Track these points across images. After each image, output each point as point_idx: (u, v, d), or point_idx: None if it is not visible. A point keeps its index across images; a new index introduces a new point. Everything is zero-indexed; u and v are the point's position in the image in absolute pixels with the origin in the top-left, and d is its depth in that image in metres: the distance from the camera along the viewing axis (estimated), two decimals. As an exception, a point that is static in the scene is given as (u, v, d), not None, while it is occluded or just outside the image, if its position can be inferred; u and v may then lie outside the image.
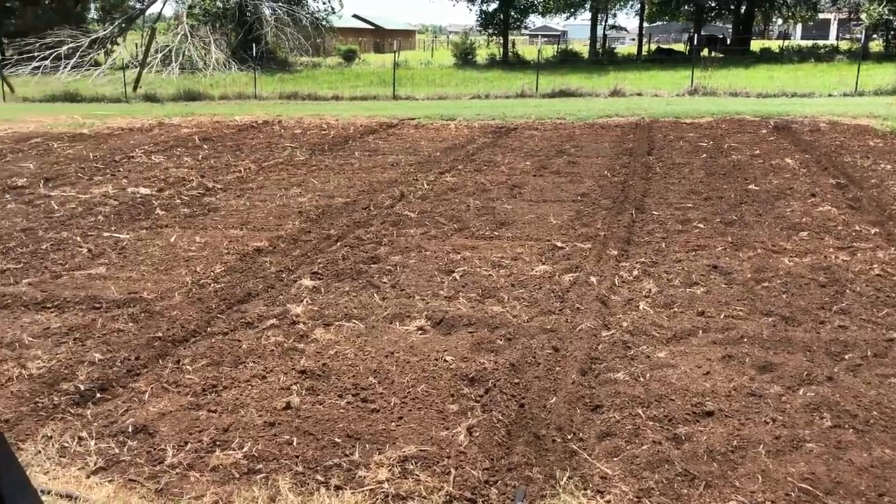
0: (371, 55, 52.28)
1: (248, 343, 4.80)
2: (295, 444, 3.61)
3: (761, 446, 3.51)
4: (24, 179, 10.22)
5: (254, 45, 31.56)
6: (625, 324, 5.01)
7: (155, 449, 3.57)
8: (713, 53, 41.33)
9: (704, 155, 11.50)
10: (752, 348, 4.58)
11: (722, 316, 5.13)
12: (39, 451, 3.51)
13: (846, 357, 4.45)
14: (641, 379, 4.22)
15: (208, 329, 5.05)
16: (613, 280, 5.86)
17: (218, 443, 3.62)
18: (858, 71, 22.56)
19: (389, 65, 32.59)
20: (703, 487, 3.24)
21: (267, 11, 35.24)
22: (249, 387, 4.22)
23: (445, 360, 4.50)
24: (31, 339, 4.87)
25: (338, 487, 3.28)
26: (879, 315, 5.07)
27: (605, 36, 48.91)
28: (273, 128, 16.07)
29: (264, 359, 4.57)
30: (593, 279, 5.81)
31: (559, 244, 6.89)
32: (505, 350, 4.64)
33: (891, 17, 33.76)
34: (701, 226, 7.41)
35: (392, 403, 4.00)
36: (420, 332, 4.97)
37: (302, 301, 5.52)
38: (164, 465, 3.43)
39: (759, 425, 3.70)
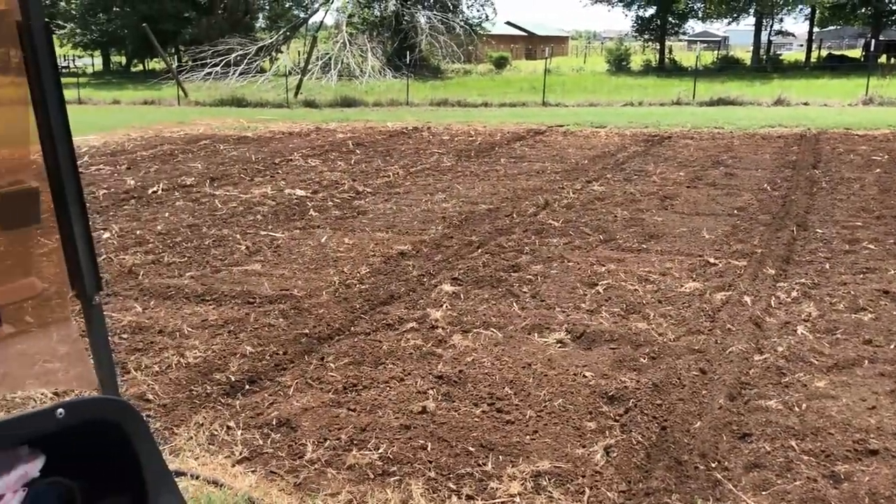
0: (522, 62, 52.37)
1: (389, 344, 4.88)
2: (429, 448, 3.62)
3: (935, 494, 3.17)
4: (193, 178, 10.95)
5: (408, 52, 32.40)
6: (780, 348, 4.69)
7: (296, 443, 3.68)
8: (892, 60, 38.31)
9: (878, 170, 10.64)
10: (927, 384, 4.16)
11: (892, 346, 4.69)
12: (191, 438, 3.72)
13: None
14: (796, 409, 3.93)
15: (352, 328, 5.18)
16: (769, 301, 5.51)
17: (355, 442, 3.69)
18: None
19: (540, 71, 32.49)
20: (863, 534, 2.96)
21: (422, 20, 36.11)
22: (388, 388, 4.28)
23: (584, 376, 4.38)
24: (190, 329, 5.18)
25: (469, 497, 3.25)
26: None
27: (769, 42, 46.53)
28: (422, 134, 16.40)
29: (403, 361, 4.63)
30: (747, 299, 5.49)
31: (712, 260, 6.57)
32: (648, 369, 4.46)
33: None
34: (871, 247, 6.84)
35: (527, 416, 3.93)
36: (559, 344, 4.87)
37: (442, 306, 5.56)
38: (304, 460, 3.53)
39: (933, 471, 3.35)
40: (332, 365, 4.58)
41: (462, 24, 38.93)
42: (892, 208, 8.25)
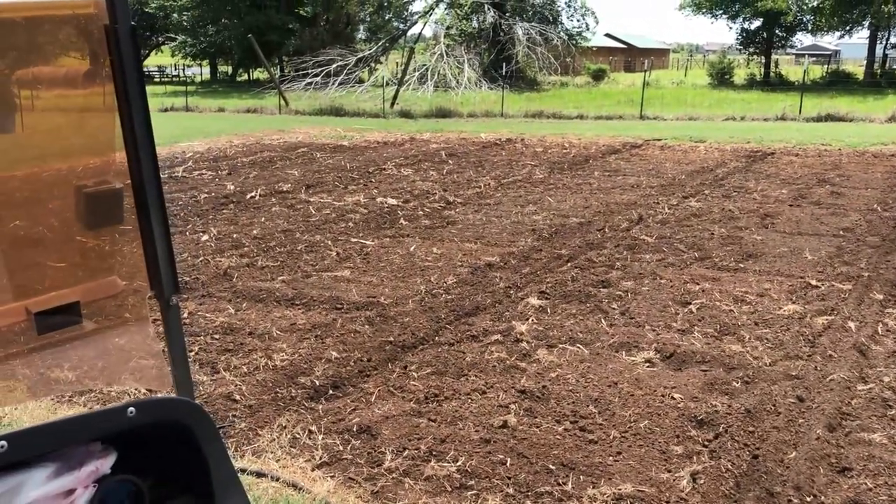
0: (621, 74, 51.62)
1: (472, 356, 4.85)
2: (508, 464, 3.57)
3: None
4: (289, 185, 11.24)
5: (504, 64, 32.42)
6: (886, 378, 4.41)
7: (375, 451, 3.69)
8: None
9: None
10: None
11: None
12: (274, 439, 3.78)
13: None
14: (904, 445, 3.68)
15: (436, 338, 5.18)
16: (876, 328, 5.19)
17: (434, 453, 3.67)
18: None
19: (639, 84, 31.93)
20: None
21: (520, 31, 36.07)
22: (469, 400, 4.25)
23: (673, 398, 4.23)
24: (279, 332, 5.29)
25: (547, 517, 3.18)
26: None
27: (885, 56, 44.21)
28: (515, 145, 16.35)
29: (486, 374, 4.59)
30: (851, 325, 5.19)
31: (814, 283, 6.26)
32: (741, 394, 4.27)
33: None
34: None
35: (611, 436, 3.82)
36: (647, 364, 4.72)
37: (527, 319, 5.49)
38: (382, 468, 3.54)
39: None
40: (414, 374, 4.58)
41: (560, 35, 38.68)
42: None
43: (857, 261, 6.87)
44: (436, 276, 6.62)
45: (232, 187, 11.05)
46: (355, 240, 7.95)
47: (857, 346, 4.82)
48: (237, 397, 4.26)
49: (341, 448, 3.72)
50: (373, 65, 37.09)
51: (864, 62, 42.36)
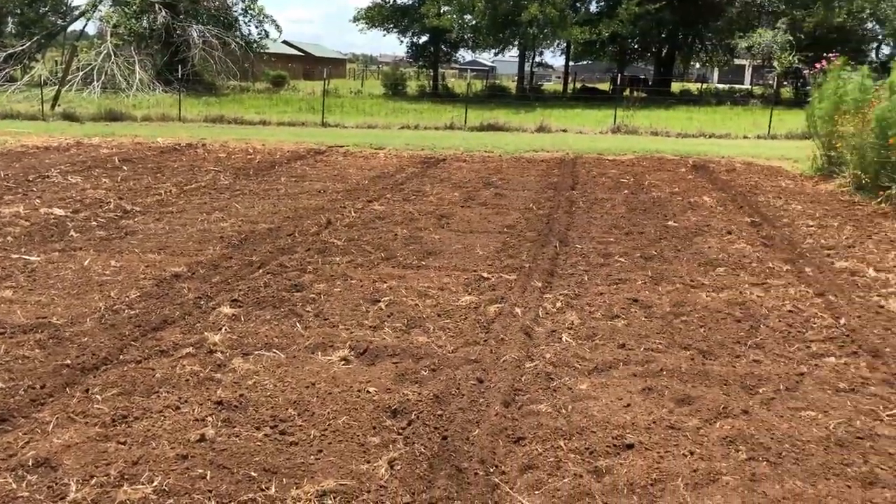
0: (301, 82, 52.00)
1: (163, 372, 4.62)
2: (209, 477, 3.47)
3: (679, 479, 3.55)
4: (-73, 196, 9.69)
5: (180, 66, 30.97)
6: (548, 355, 5.03)
7: (57, 483, 3.36)
8: (635, 93, 42.62)
9: (626, 191, 11.79)
10: (671, 381, 4.66)
11: (642, 349, 5.21)
12: (-72, 487, 3.27)
13: (760, 391, 4.57)
14: (563, 411, 4.23)
15: (120, 357, 4.84)
16: (537, 311, 5.90)
17: (126, 476, 3.45)
18: (771, 115, 23.61)
19: (319, 92, 32.50)
20: (622, 520, 3.25)
21: (195, 34, 34.69)
22: (162, 417, 4.05)
23: (368, 392, 4.42)
24: (-75, 365, 4.56)
25: (252, 523, 3.16)
26: (791, 350, 5.25)
27: (532, 73, 49.97)
28: (196, 151, 15.75)
29: (179, 389, 4.40)
30: (518, 310, 5.84)
31: (485, 275, 6.91)
32: (429, 381, 4.60)
33: (800, 66, 35.54)
34: (622, 260, 7.55)
35: (311, 436, 3.89)
36: (343, 362, 4.88)
37: (220, 329, 5.36)
38: (67, 501, 3.24)
39: (678, 458, 3.75)
40: (98, 396, 4.24)
41: (239, 41, 37.91)
42: (638, 225, 9.17)
43: (520, 254, 7.71)
44: (116, 290, 6.17)
45: None
46: (17, 255, 7.11)
47: (524, 328, 5.43)
48: None
49: (15, 486, 3.33)
50: (27, 62, 33.21)
51: (516, 78, 47.45)
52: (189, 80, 32.48)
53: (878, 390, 4.61)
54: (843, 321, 5.77)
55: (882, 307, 6.19)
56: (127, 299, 5.93)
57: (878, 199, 10.70)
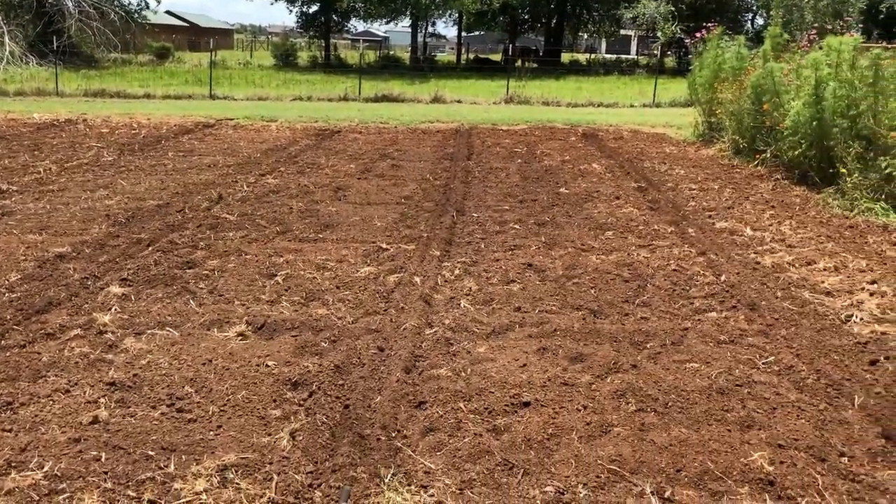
0: (186, 53, 50.01)
1: (50, 355, 4.43)
2: (103, 459, 3.38)
3: (574, 433, 3.71)
4: None
5: (55, 38, 29.22)
6: (447, 321, 5.12)
7: (-63, 477, 3.20)
8: (527, 64, 43.27)
9: (519, 160, 12.01)
10: (564, 340, 4.84)
11: (537, 311, 5.37)
12: None
13: (648, 346, 4.80)
14: (463, 374, 4.33)
15: (2, 342, 4.61)
16: (436, 279, 5.97)
17: (14, 464, 3.31)
18: (656, 84, 24.47)
19: (206, 64, 31.41)
20: (521, 475, 3.37)
21: (70, 3, 32.78)
22: (51, 402, 3.90)
23: (267, 366, 4.39)
24: None
25: (151, 502, 3.10)
26: (675, 307, 5.53)
27: (425, 43, 49.84)
28: (77, 126, 14.98)
29: (68, 371, 4.24)
30: (417, 279, 5.89)
31: (384, 246, 6.93)
32: (329, 352, 4.60)
33: (682, 36, 36.90)
34: (517, 227, 7.72)
35: (210, 412, 3.84)
36: (240, 337, 4.81)
37: (110, 309, 5.18)
38: (-51, 494, 3.09)
39: (572, 413, 3.91)
40: (-22, 384, 4.04)
41: (118, 10, 36.06)
42: (531, 193, 9.38)
43: (418, 224, 7.76)
44: (-7, 274, 5.85)
45: None
46: None
47: (423, 297, 5.49)
48: None
49: None
50: None
51: (410, 48, 47.22)
52: (66, 52, 30.71)
53: (754, 341, 4.93)
54: (723, 278, 6.12)
55: (759, 264, 6.59)
56: (7, 283, 5.63)
57: (755, 163, 11.32)
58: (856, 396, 4.12)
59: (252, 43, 74.42)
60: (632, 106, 22.97)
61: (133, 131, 14.46)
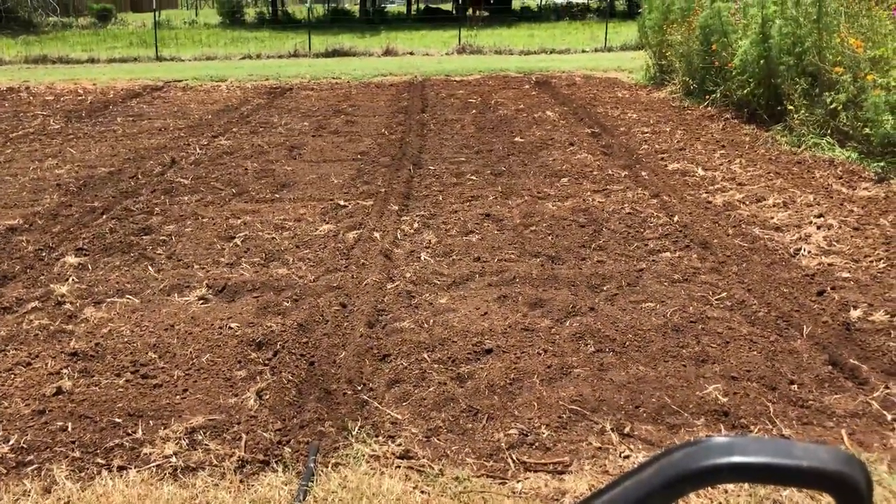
0: (129, 14, 48.45)
1: (8, 329, 4.40)
2: (70, 429, 3.39)
3: (535, 376, 3.81)
4: None
5: (-13, 2, 28.14)
6: (408, 274, 5.17)
7: None
8: (478, 13, 42.74)
9: (474, 111, 11.98)
10: (523, 287, 4.92)
11: (496, 260, 5.44)
12: None
13: (605, 288, 4.91)
14: (426, 325, 4.40)
15: (-43, 319, 4.55)
16: (396, 234, 6.00)
17: (-21, 440, 3.31)
18: (606, 29, 24.43)
19: (150, 24, 30.50)
20: (486, 420, 3.47)
21: (1, -35, 31.48)
22: (12, 376, 3.88)
23: (230, 328, 4.40)
24: None
25: (121, 468, 3.14)
26: (630, 249, 5.64)
27: (375, -6, 48.88)
28: (20, 95, 14.54)
29: (28, 344, 4.22)
30: (377, 234, 5.92)
31: (342, 203, 6.92)
32: (292, 311, 4.63)
33: (633, -21, 36.73)
34: (474, 178, 7.75)
35: (175, 377, 3.86)
36: (201, 301, 4.81)
37: (67, 280, 5.13)
38: (-85, 472, 3.09)
39: (533, 357, 4.01)
40: (-63, 362, 4.00)
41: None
42: (487, 144, 9.39)
43: (375, 180, 7.75)
44: (-57, 250, 5.74)
45: None
46: None
47: (384, 252, 5.53)
48: None
49: None
50: None
51: (359, 1, 46.31)
52: (2, 18, 29.58)
53: (707, 278, 5.06)
54: (676, 218, 6.24)
55: (710, 203, 6.73)
56: (-43, 259, 5.53)
57: (705, 103, 11.44)
58: (804, 327, 4.28)
59: (197, 1, 72.30)
60: (584, 51, 22.92)
61: (79, 97, 14.08)
